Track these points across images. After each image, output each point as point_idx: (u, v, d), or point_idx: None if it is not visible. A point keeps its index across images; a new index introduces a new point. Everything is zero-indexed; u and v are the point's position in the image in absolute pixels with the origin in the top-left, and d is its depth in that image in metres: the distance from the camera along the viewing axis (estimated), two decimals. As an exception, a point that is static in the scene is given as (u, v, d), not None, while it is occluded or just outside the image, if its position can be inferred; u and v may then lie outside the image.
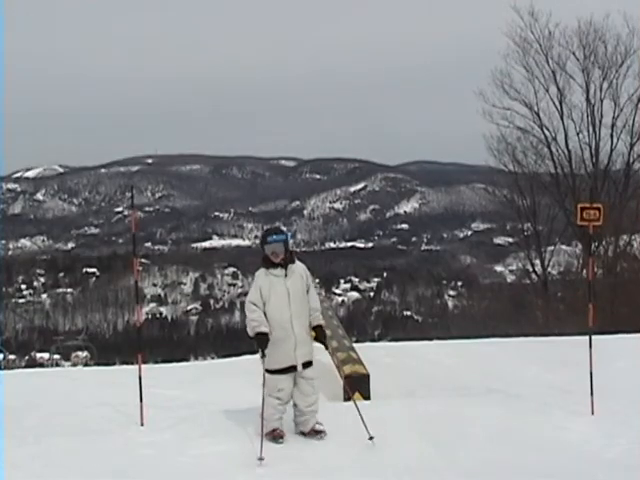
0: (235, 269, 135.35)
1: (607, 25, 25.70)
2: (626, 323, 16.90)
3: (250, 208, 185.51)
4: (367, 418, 7.17)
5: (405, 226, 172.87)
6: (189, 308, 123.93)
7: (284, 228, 7.48)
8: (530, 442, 6.81)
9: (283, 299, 6.95)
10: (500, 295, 32.80)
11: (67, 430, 7.44)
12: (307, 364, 7.13)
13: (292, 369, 6.99)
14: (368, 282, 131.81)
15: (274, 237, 7.08)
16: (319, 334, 7.18)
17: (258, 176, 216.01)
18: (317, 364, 11.41)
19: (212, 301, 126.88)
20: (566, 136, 26.57)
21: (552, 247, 28.14)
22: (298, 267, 7.17)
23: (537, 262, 27.61)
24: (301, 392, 7.08)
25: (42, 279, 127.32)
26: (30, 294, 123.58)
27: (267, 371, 7.02)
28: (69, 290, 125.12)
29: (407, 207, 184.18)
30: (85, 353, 72.43)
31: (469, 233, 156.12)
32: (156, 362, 21.22)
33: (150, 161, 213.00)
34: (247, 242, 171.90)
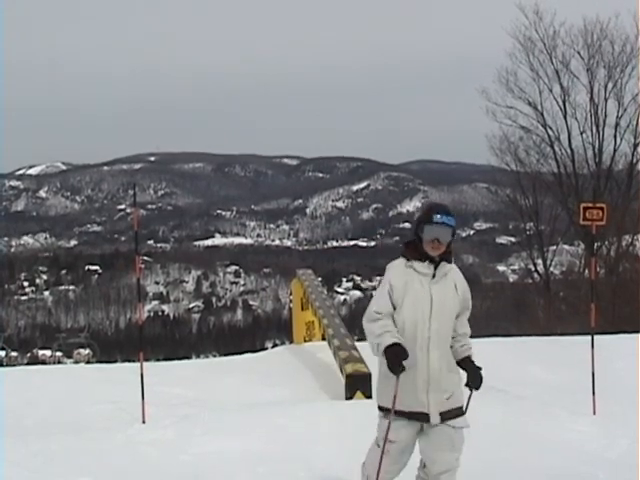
0: (237, 267, 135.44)
1: (615, 25, 25.66)
2: (628, 323, 16.87)
3: (252, 206, 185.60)
4: (369, 417, 7.16)
5: (407, 225, 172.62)
6: (191, 306, 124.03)
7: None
8: (531, 442, 6.80)
9: (422, 308, 4.62)
10: (502, 294, 32.80)
11: (68, 427, 7.45)
12: (453, 413, 4.72)
13: (420, 417, 4.67)
14: (370, 281, 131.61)
15: (443, 217, 4.59)
16: (470, 370, 4.73)
17: (261, 174, 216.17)
18: (320, 363, 11.47)
19: (214, 299, 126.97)
20: (569, 136, 26.58)
21: (554, 247, 28.12)
22: (454, 272, 4.78)
23: (539, 262, 27.59)
24: (434, 446, 4.72)
25: (44, 276, 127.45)
26: (32, 291, 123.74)
27: (382, 410, 4.80)
28: (71, 287, 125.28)
29: (410, 206, 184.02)
30: (87, 350, 72.65)
31: (471, 232, 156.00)
32: (158, 360, 21.29)
33: (153, 159, 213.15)
34: (249, 240, 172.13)
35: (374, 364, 9.61)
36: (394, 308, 4.65)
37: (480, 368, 4.73)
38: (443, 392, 4.64)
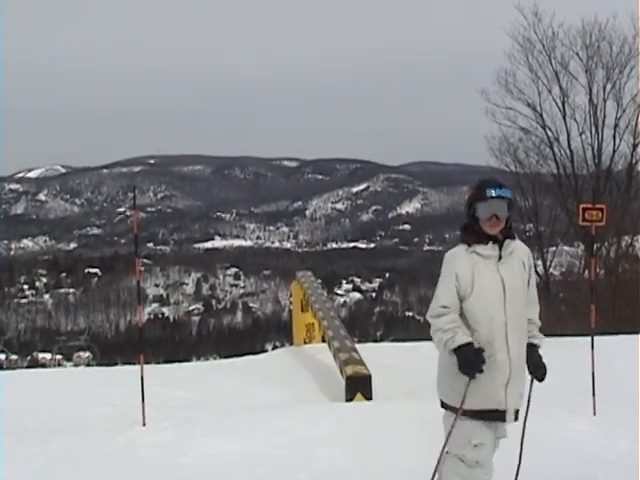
0: (237, 269, 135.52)
1: (614, 25, 25.62)
2: (628, 324, 16.88)
3: (252, 208, 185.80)
4: (369, 419, 7.16)
5: (407, 227, 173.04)
6: (191, 308, 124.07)
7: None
8: (531, 442, 6.79)
9: (494, 295, 4.27)
10: (502, 296, 32.69)
11: (69, 430, 7.45)
12: (517, 414, 4.46)
13: (497, 415, 4.32)
14: (370, 283, 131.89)
15: (497, 191, 4.25)
16: (531, 357, 4.47)
17: (260, 176, 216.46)
18: (320, 365, 11.48)
19: (214, 301, 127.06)
20: (569, 137, 26.52)
21: (554, 248, 28.10)
22: (519, 247, 4.42)
23: (539, 263, 27.53)
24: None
25: (44, 279, 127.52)
26: (32, 294, 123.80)
27: (447, 408, 4.45)
28: (71, 290, 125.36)
29: (409, 207, 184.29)
30: (87, 353, 72.56)
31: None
32: (158, 362, 21.30)
33: (152, 161, 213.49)
34: (249, 242, 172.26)
35: (375, 366, 9.64)
36: (461, 300, 4.28)
37: (541, 357, 4.48)
38: (520, 386, 4.38)
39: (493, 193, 4.22)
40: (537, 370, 4.45)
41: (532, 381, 4.54)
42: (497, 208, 4.22)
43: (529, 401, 4.67)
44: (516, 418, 4.41)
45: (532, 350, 4.47)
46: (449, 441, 4.37)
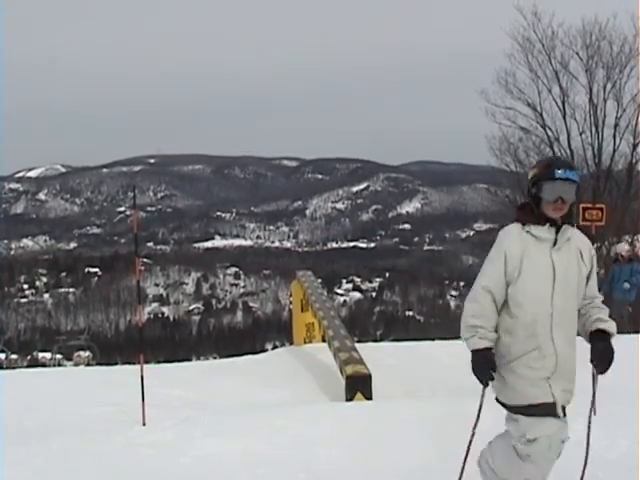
0: (237, 269, 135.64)
1: (614, 25, 25.63)
2: (628, 323, 16.88)
3: (252, 208, 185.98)
4: (369, 418, 7.16)
5: (407, 226, 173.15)
6: (191, 308, 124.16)
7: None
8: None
9: (543, 281, 3.96)
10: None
11: (68, 430, 7.45)
12: (565, 412, 4.23)
13: (548, 408, 4.07)
14: (370, 282, 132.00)
15: (567, 172, 3.93)
16: (595, 344, 4.21)
17: (260, 176, 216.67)
18: (320, 364, 11.48)
19: (214, 301, 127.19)
20: (569, 136, 26.57)
21: (554, 247, 28.15)
22: (577, 236, 4.09)
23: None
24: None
25: (44, 279, 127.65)
26: (32, 294, 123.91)
27: (505, 406, 4.20)
28: (71, 290, 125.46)
29: (409, 207, 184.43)
30: (87, 353, 72.58)
31: (471, 233, 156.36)
32: (158, 362, 21.30)
33: (152, 161, 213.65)
34: (249, 242, 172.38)
35: (375, 365, 9.63)
36: (508, 283, 3.96)
37: (612, 348, 4.16)
38: (567, 383, 4.14)
39: (563, 174, 3.90)
40: (599, 360, 4.15)
41: (594, 374, 4.27)
42: (564, 191, 3.91)
43: (594, 396, 4.40)
44: (563, 415, 4.13)
45: (598, 337, 4.18)
46: (512, 431, 4.18)
